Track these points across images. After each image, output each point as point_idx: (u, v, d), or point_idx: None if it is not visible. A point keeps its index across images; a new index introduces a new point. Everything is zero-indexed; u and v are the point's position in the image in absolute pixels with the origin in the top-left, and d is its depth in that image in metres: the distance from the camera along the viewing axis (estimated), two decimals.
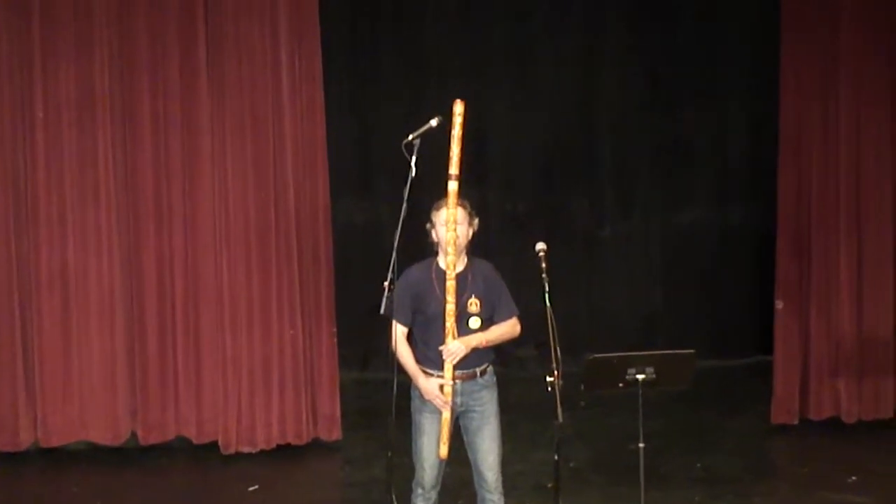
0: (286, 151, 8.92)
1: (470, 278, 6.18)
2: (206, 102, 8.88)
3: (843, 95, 9.19)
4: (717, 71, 10.96)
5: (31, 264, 8.90)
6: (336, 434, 9.10)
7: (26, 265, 8.90)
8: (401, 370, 6.18)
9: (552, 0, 10.87)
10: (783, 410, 9.27)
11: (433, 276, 6.17)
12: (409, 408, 6.24)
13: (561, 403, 5.82)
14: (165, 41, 8.86)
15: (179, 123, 8.91)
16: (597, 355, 6.13)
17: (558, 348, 5.85)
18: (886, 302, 9.28)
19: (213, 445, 8.98)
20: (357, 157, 10.61)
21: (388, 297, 5.99)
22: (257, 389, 8.95)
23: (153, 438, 9.04)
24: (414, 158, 5.96)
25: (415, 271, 6.22)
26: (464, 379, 6.15)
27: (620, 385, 6.09)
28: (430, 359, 6.15)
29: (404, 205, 5.96)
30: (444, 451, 6.10)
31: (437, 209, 6.13)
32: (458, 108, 5.96)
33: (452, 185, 6.00)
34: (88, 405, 8.96)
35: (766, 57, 9.51)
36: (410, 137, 5.98)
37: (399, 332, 6.20)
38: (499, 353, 6.39)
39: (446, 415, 6.09)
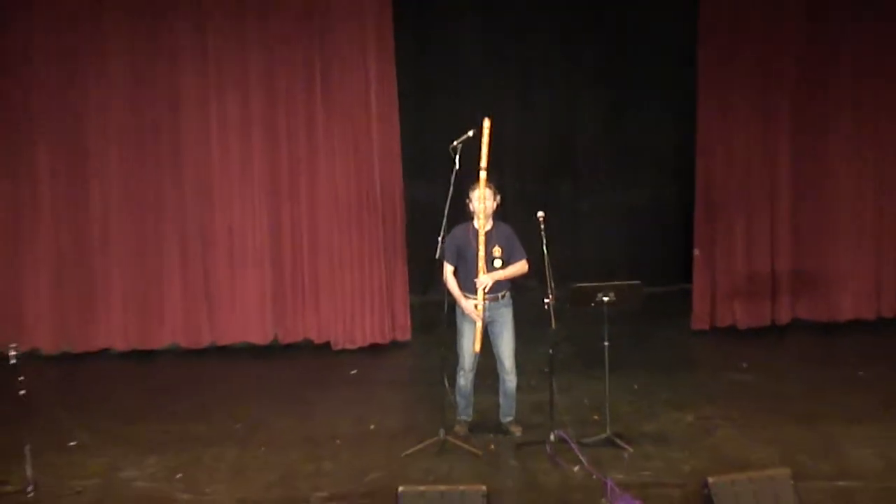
0: (373, 152, 8.84)
1: (495, 234, 6.18)
2: (321, 121, 8.81)
3: (740, 110, 9.00)
4: (656, 93, 10.66)
5: (209, 225, 8.92)
6: (407, 336, 9.05)
7: (206, 226, 8.92)
8: (449, 295, 6.21)
9: (544, 49, 10.66)
10: (699, 321, 9.16)
11: (470, 233, 6.16)
12: (454, 319, 6.28)
13: (554, 316, 5.87)
14: (296, 81, 8.80)
15: (304, 135, 8.86)
16: (578, 285, 6.17)
17: (552, 280, 5.87)
18: (765, 251, 9.11)
19: (327, 344, 8.96)
20: (420, 153, 10.46)
21: (441, 247, 6.06)
22: (356, 307, 8.91)
23: (289, 339, 9.05)
24: (457, 157, 5.99)
25: (458, 230, 6.22)
26: (490, 300, 6.14)
27: (593, 305, 6.14)
28: (468, 288, 6.15)
29: (451, 187, 5.99)
30: (477, 346, 6.14)
31: (473, 190, 6.15)
32: (486, 122, 5.94)
33: (483, 174, 6.03)
34: (247, 316, 8.99)
35: (689, 85, 9.27)
36: (455, 143, 6.02)
37: (448, 270, 6.22)
38: (513, 284, 6.37)
39: (479, 324, 6.11)
